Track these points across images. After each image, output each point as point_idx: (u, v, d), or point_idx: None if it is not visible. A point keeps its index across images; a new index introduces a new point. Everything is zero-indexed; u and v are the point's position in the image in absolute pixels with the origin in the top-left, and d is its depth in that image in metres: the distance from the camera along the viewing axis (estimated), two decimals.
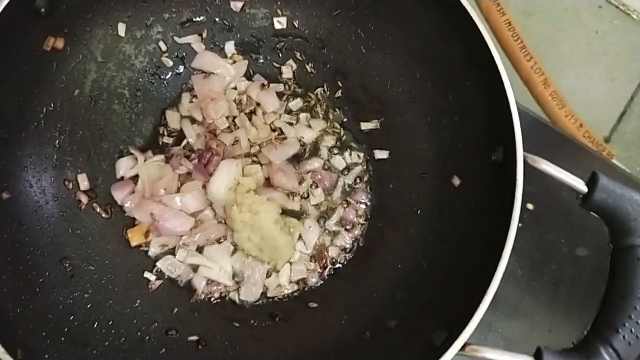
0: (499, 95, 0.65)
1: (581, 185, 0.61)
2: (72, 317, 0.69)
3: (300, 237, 0.80)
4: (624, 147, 1.28)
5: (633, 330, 0.57)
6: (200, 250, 0.79)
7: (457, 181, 0.74)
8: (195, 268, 0.78)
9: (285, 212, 0.81)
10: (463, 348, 0.58)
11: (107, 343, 0.70)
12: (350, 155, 0.84)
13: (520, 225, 0.94)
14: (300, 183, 0.82)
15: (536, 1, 1.34)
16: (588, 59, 1.32)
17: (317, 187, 0.82)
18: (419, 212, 0.78)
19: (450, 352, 0.58)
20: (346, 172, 0.83)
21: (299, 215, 0.81)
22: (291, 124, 0.84)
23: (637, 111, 1.30)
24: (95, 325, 0.70)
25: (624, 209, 0.60)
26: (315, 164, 0.82)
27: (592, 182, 0.61)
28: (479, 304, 0.59)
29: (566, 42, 1.32)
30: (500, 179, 0.66)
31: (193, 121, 0.84)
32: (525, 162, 0.63)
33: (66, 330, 0.68)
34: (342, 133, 0.85)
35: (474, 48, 0.69)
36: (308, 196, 0.82)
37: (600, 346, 0.57)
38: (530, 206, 0.95)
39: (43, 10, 0.69)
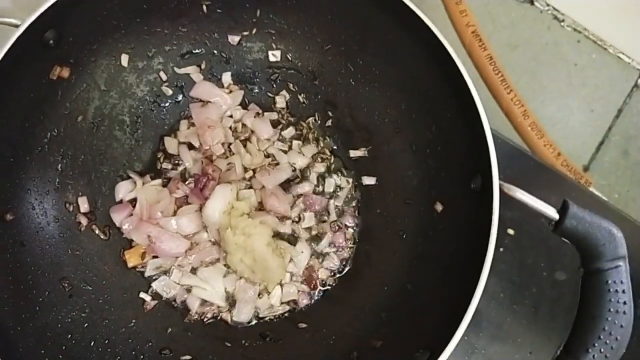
0: (477, 127, 0.70)
1: (553, 213, 0.65)
2: (70, 336, 0.72)
3: (291, 259, 0.84)
4: (602, 175, 1.33)
5: (602, 350, 0.61)
6: (194, 271, 0.82)
7: (439, 207, 0.79)
8: (189, 289, 0.81)
9: (277, 235, 0.85)
10: None
11: None
12: (340, 178, 0.88)
13: (501, 249, 0.99)
14: (292, 207, 0.86)
15: (518, 34, 1.41)
16: (567, 91, 1.38)
17: (307, 211, 0.86)
18: (404, 236, 0.82)
19: None
20: (336, 194, 0.88)
21: (289, 238, 0.85)
22: (284, 151, 0.88)
23: (614, 141, 1.36)
24: (92, 344, 0.73)
25: (592, 235, 0.64)
26: (305, 187, 0.87)
27: (563, 210, 0.65)
28: (458, 324, 0.63)
29: (547, 74, 1.39)
30: (478, 205, 0.70)
31: (190, 147, 0.87)
32: (501, 190, 0.67)
33: (64, 348, 0.70)
34: (332, 160, 0.89)
35: (455, 83, 0.73)
36: (299, 220, 0.86)
37: None
38: (510, 231, 0.99)
39: (51, 42, 0.73)
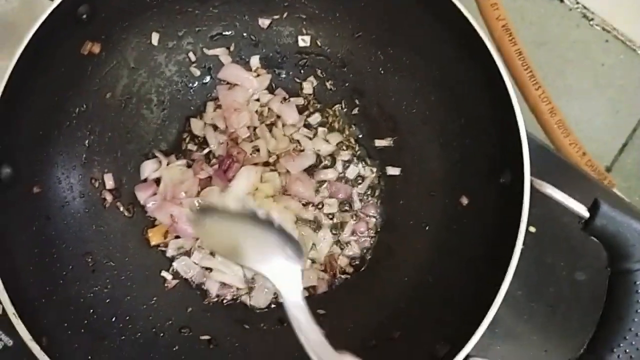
0: (509, 122, 0.69)
1: (583, 211, 0.65)
2: (92, 310, 0.72)
3: (312, 246, 0.84)
4: (624, 177, 1.32)
5: (627, 350, 0.61)
6: (213, 253, 0.83)
7: (465, 200, 0.78)
8: (209, 271, 0.82)
9: (300, 221, 0.85)
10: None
11: (123, 337, 0.73)
12: (364, 168, 0.88)
13: (522, 247, 0.98)
14: (316, 193, 0.86)
15: (546, 32, 1.39)
16: (593, 91, 1.36)
17: (331, 197, 0.86)
18: (426, 228, 0.82)
19: None
20: (359, 182, 0.87)
21: (312, 225, 0.85)
22: (309, 137, 0.88)
23: (638, 143, 1.34)
24: (113, 319, 0.74)
25: (622, 235, 0.63)
26: (329, 174, 0.86)
27: (593, 208, 0.64)
28: (481, 320, 0.62)
29: (573, 73, 1.37)
30: (506, 200, 0.69)
31: (215, 129, 0.87)
32: (531, 186, 0.66)
33: (85, 322, 0.71)
34: (357, 148, 0.89)
35: (488, 76, 0.72)
36: (322, 206, 0.86)
37: None
38: (532, 229, 0.98)
39: (84, 16, 0.73)
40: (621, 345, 0.61)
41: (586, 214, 0.65)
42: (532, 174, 0.67)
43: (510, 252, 0.64)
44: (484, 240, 0.73)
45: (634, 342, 0.61)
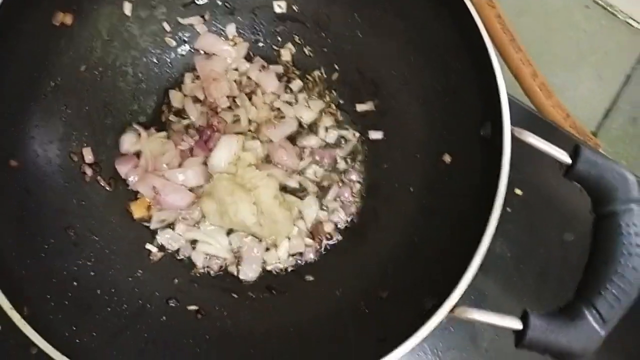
0: (487, 75, 0.68)
1: (565, 157, 0.64)
2: (76, 283, 0.71)
3: (299, 213, 0.83)
4: (610, 143, 1.32)
5: (615, 292, 0.60)
6: (197, 225, 0.82)
7: (447, 158, 0.77)
8: (194, 242, 0.81)
9: (285, 189, 0.84)
10: (452, 310, 0.61)
11: (109, 308, 0.72)
12: (347, 131, 0.87)
13: (508, 210, 0.98)
14: (300, 160, 0.85)
15: (527, 1, 1.39)
16: (576, 58, 1.37)
17: (316, 165, 0.85)
18: (411, 190, 0.81)
19: (439, 313, 0.60)
20: (342, 145, 0.87)
21: (297, 192, 0.84)
22: (290, 104, 0.87)
23: (622, 108, 1.34)
24: (98, 292, 0.72)
25: (605, 179, 0.63)
26: (312, 140, 0.85)
27: (575, 154, 0.64)
28: (465, 271, 0.62)
29: (556, 41, 1.37)
30: (488, 153, 0.69)
31: (195, 100, 0.86)
32: (512, 136, 0.66)
33: (69, 294, 0.70)
34: (339, 114, 0.88)
35: (466, 32, 0.72)
36: (308, 174, 0.85)
37: (584, 308, 0.60)
38: (518, 192, 0.98)
39: None
40: (608, 287, 0.60)
41: (568, 160, 0.64)
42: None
43: (492, 205, 0.63)
44: (468, 196, 0.72)
45: (620, 284, 0.60)
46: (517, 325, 0.60)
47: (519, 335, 0.60)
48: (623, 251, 0.61)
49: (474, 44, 0.71)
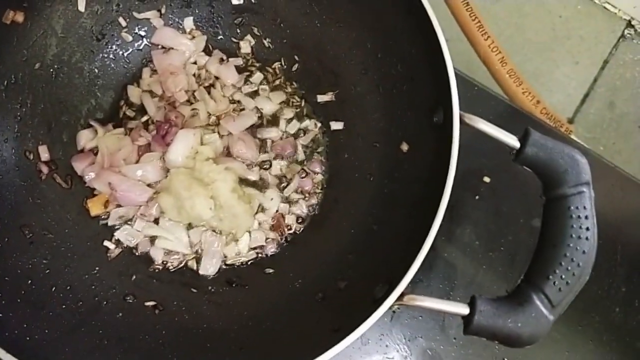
0: (439, 59, 0.68)
1: (513, 141, 0.63)
2: (30, 281, 0.71)
3: (260, 206, 0.82)
4: (587, 128, 1.31)
5: (563, 277, 0.60)
6: (157, 221, 0.81)
7: (405, 147, 0.77)
8: (152, 239, 0.80)
9: (244, 182, 0.83)
10: (401, 298, 0.60)
11: (63, 306, 0.71)
12: (309, 121, 0.87)
13: (477, 197, 0.98)
14: (260, 153, 0.84)
15: None
16: (552, 43, 1.35)
17: (277, 158, 0.84)
18: (371, 179, 0.81)
19: (388, 301, 0.60)
20: (302, 135, 0.86)
21: (257, 185, 0.84)
22: (251, 97, 0.86)
23: (599, 92, 1.33)
24: (53, 289, 0.72)
25: (554, 162, 0.62)
26: (272, 132, 0.85)
27: (524, 137, 0.63)
28: (415, 257, 0.61)
29: (531, 27, 1.36)
30: (441, 139, 0.68)
31: (153, 95, 0.86)
32: (462, 121, 0.65)
33: (23, 292, 0.69)
34: (302, 104, 0.87)
35: (418, 17, 0.71)
36: (269, 167, 0.84)
37: (532, 292, 0.60)
38: (486, 179, 0.97)
39: None
40: (557, 271, 0.60)
41: (517, 144, 0.64)
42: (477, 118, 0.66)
43: (442, 188, 0.63)
44: (423, 183, 0.72)
45: (569, 268, 0.60)
46: (464, 310, 0.59)
47: (466, 321, 0.59)
48: (572, 234, 0.60)
49: (426, 29, 0.70)
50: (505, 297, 0.61)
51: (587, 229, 0.60)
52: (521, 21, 1.35)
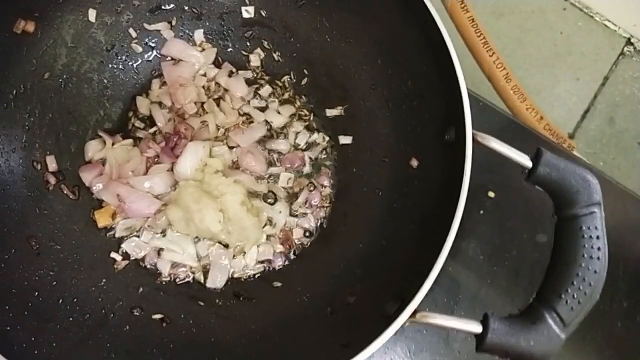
0: (450, 78, 0.68)
1: (526, 160, 0.64)
2: (37, 293, 0.70)
3: (269, 219, 0.82)
4: (587, 144, 1.32)
5: (575, 295, 0.60)
6: (164, 233, 0.81)
7: (415, 162, 0.77)
8: (159, 251, 0.80)
9: (253, 195, 0.83)
10: (413, 315, 0.61)
11: (70, 319, 0.70)
12: (318, 134, 0.87)
13: (481, 212, 0.98)
14: (269, 166, 0.84)
15: (504, 2, 1.39)
16: (553, 59, 1.37)
17: (286, 171, 0.84)
18: (380, 194, 0.81)
19: (400, 318, 0.60)
20: (311, 148, 0.86)
21: (266, 198, 0.84)
22: (260, 110, 0.87)
23: (600, 109, 1.35)
24: (60, 302, 0.71)
25: (567, 182, 0.63)
26: (281, 145, 0.85)
27: (536, 157, 0.64)
28: (428, 274, 0.61)
29: (532, 42, 1.37)
30: (452, 157, 0.68)
31: (162, 106, 0.85)
32: (475, 139, 0.66)
33: (30, 304, 0.69)
34: (311, 118, 0.88)
35: (429, 35, 0.72)
36: (277, 180, 0.84)
37: (545, 311, 0.60)
38: (491, 194, 0.98)
39: None
40: (569, 290, 0.60)
41: (529, 163, 0.64)
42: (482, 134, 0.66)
43: (455, 206, 0.63)
44: (434, 199, 0.72)
45: (581, 287, 0.60)
46: (477, 329, 0.59)
47: (479, 339, 0.59)
48: (584, 254, 0.61)
49: (438, 47, 0.71)
50: (518, 315, 0.62)
51: (599, 248, 0.61)
52: (523, 36, 1.37)
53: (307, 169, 0.85)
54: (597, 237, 0.61)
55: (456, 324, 0.60)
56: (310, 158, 0.86)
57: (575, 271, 0.60)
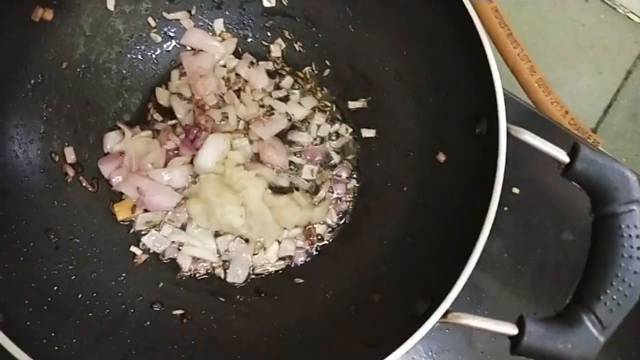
0: (482, 68, 0.66)
1: (563, 155, 0.61)
2: (56, 287, 0.69)
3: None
4: (609, 139, 1.29)
5: (615, 297, 0.58)
6: (184, 227, 0.79)
7: (442, 157, 0.75)
8: (179, 246, 0.78)
9: (275, 188, 0.81)
10: (445, 315, 0.59)
11: (90, 314, 0.69)
12: (340, 125, 0.85)
13: (505, 209, 0.96)
14: (291, 159, 0.82)
15: None
16: (575, 52, 1.34)
17: (308, 163, 0.82)
18: (404, 189, 0.79)
19: (432, 319, 0.58)
20: (333, 139, 0.84)
21: (288, 192, 0.82)
22: (282, 101, 0.85)
23: (622, 104, 1.32)
24: (79, 296, 0.70)
25: (605, 178, 0.60)
26: (303, 137, 0.83)
27: (573, 152, 0.61)
28: (460, 274, 0.59)
29: (554, 35, 1.34)
30: (483, 151, 0.66)
31: (182, 98, 0.84)
32: (508, 134, 0.63)
33: (49, 299, 0.67)
34: (334, 110, 0.85)
35: (460, 24, 0.69)
36: (299, 173, 0.82)
37: (582, 313, 0.58)
38: (516, 190, 0.96)
39: None
40: (608, 291, 0.58)
41: (566, 159, 0.62)
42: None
43: (488, 203, 0.61)
44: (462, 195, 0.70)
45: (620, 288, 0.58)
46: (513, 330, 0.57)
47: (514, 341, 0.57)
48: (623, 254, 0.59)
49: (469, 37, 0.68)
50: (554, 317, 0.59)
51: (638, 248, 0.59)
52: (544, 28, 1.33)
53: (333, 161, 0.83)
54: (637, 236, 0.59)
55: (490, 325, 0.58)
56: (333, 149, 0.83)
57: (614, 272, 0.58)
